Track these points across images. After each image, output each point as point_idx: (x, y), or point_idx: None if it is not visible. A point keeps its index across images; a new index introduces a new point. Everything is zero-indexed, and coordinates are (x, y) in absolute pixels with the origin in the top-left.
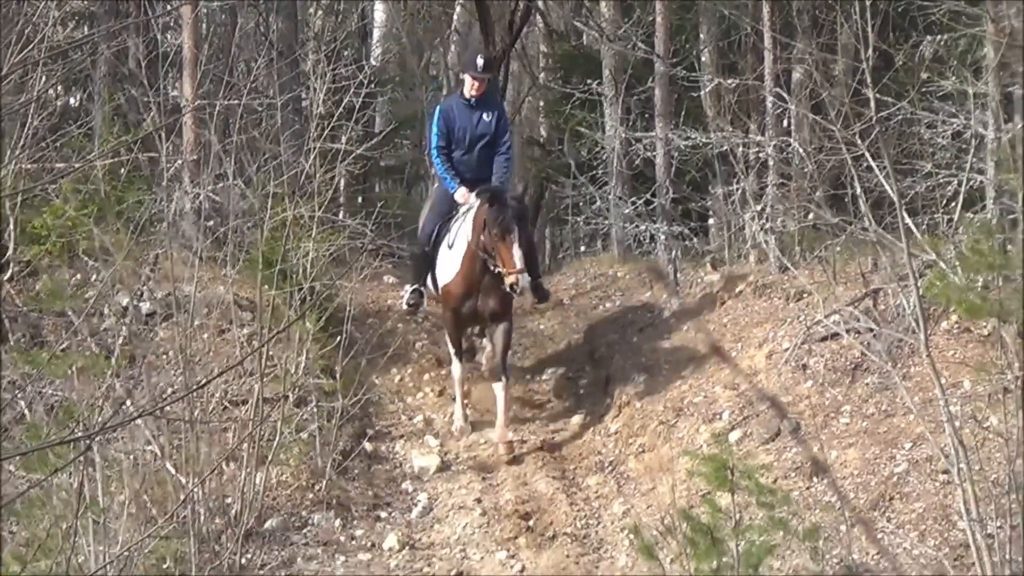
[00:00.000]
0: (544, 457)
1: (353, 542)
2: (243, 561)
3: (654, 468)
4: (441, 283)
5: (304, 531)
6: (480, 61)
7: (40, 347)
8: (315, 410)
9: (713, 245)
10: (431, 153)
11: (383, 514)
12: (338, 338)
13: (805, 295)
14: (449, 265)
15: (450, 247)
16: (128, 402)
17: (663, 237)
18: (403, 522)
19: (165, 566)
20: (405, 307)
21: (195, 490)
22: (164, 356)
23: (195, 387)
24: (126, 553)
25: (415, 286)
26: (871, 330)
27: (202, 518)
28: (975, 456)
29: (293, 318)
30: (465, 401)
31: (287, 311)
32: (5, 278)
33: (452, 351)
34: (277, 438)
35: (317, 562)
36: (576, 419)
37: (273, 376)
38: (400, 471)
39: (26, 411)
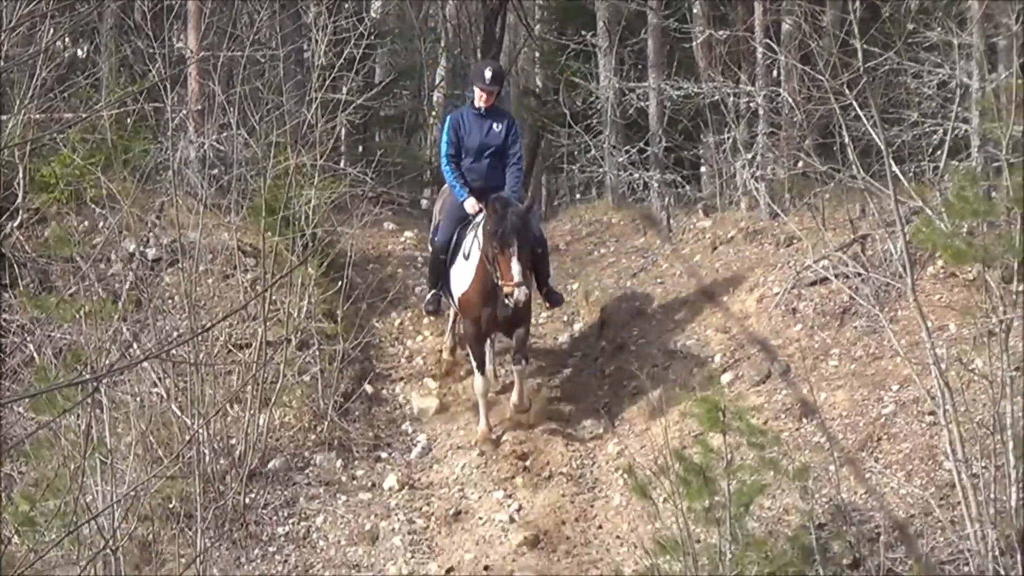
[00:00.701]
0: (540, 399)
1: (354, 482)
2: (247, 500)
3: (649, 411)
4: (457, 293)
5: (306, 471)
6: (488, 74)
7: (48, 292)
8: (317, 353)
9: (705, 192)
10: (441, 161)
11: (383, 455)
12: (339, 283)
13: (795, 241)
14: (464, 275)
15: (466, 257)
16: (134, 345)
17: (656, 185)
18: (403, 462)
19: (171, 505)
20: (425, 312)
21: (200, 431)
22: (170, 301)
23: (200, 330)
24: (132, 493)
25: (433, 291)
26: (859, 275)
27: (207, 459)
28: (960, 398)
29: (295, 263)
30: (488, 414)
31: (290, 257)
32: (15, 225)
33: (474, 364)
34: (280, 380)
35: (319, 501)
36: (571, 361)
37: (276, 320)
38: (400, 412)
39: (35, 354)
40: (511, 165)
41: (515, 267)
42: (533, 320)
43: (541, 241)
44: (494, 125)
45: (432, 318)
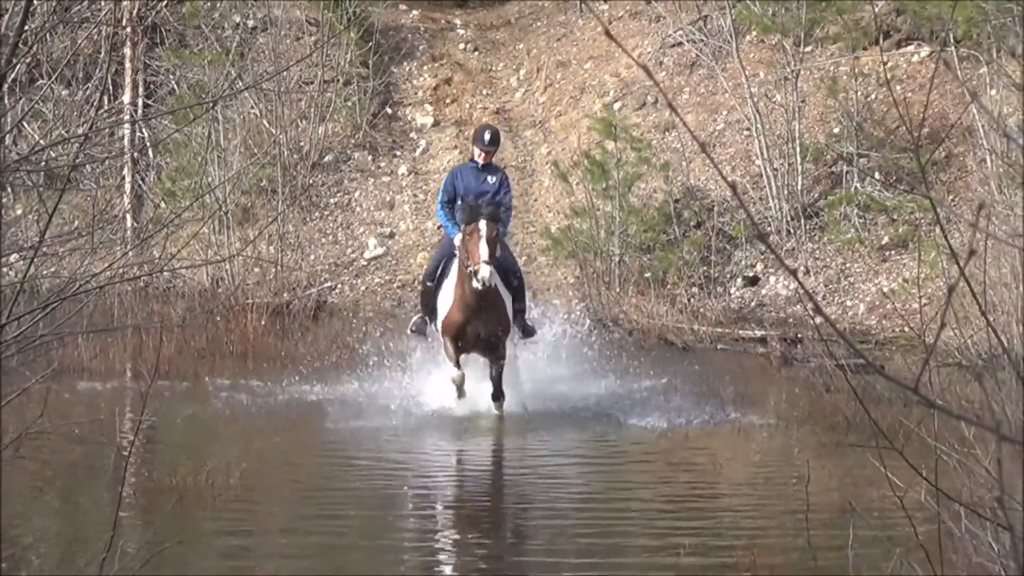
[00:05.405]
0: (493, 119)
1: (379, 169)
2: (310, 181)
3: (568, 125)
4: (441, 316)
5: (348, 163)
6: (487, 136)
7: (184, 47)
8: (356, 87)
9: None
10: (436, 208)
11: (398, 152)
12: (370, 42)
13: (661, 18)
14: (446, 298)
15: (447, 280)
16: (239, 80)
17: None
18: (411, 158)
19: (261, 184)
20: (409, 332)
21: (280, 137)
22: (262, 53)
23: (282, 70)
24: (237, 175)
25: (420, 315)
26: (703, 40)
27: (285, 154)
28: (767, 119)
29: (341, 29)
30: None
31: (338, 25)
32: (163, 4)
33: (451, 363)
34: (332, 104)
35: (356, 182)
36: (518, 96)
37: (330, 66)
38: (409, 126)
39: (175, 87)
40: (502, 205)
41: (483, 247)
42: (502, 73)
43: (517, 274)
44: (489, 177)
45: (417, 340)
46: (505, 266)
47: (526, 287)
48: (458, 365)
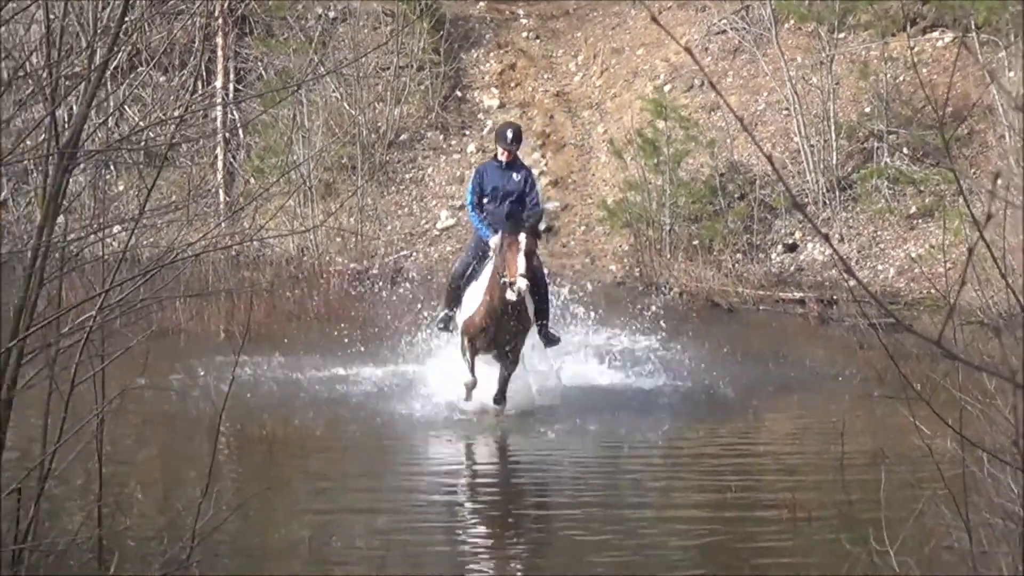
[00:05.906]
0: (554, 100)
1: (450, 147)
2: (386, 158)
3: (623, 106)
4: (465, 315)
5: (422, 142)
6: (509, 134)
7: (271, 37)
8: (428, 71)
9: None
10: (467, 208)
11: (467, 132)
12: (440, 31)
13: (707, 7)
14: (474, 299)
15: (477, 281)
16: (321, 66)
17: None
18: (478, 137)
19: (343, 161)
20: (436, 328)
21: (359, 117)
22: (343, 41)
23: (360, 56)
24: (320, 153)
25: (446, 311)
26: (745, 28)
27: (364, 133)
28: (804, 100)
29: (414, 19)
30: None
31: (411, 16)
32: None
33: (467, 367)
34: (407, 87)
35: (429, 160)
36: (576, 79)
37: (404, 52)
38: (477, 107)
39: (263, 72)
40: (530, 204)
41: (520, 260)
42: (562, 66)
43: (544, 283)
44: (514, 175)
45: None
46: (536, 277)
47: (583, 262)
48: (472, 371)
